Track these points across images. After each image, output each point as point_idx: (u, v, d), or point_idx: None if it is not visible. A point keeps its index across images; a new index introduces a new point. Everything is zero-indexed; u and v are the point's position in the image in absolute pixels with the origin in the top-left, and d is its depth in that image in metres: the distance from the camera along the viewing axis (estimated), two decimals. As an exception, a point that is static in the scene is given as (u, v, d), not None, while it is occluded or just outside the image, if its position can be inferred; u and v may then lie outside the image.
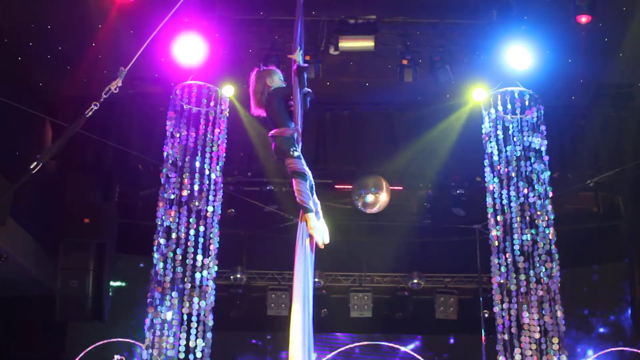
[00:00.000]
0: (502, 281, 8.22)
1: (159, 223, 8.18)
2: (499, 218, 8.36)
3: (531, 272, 8.11)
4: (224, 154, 8.61)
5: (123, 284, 12.20)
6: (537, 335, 7.97)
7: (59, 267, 10.31)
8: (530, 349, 7.93)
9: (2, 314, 11.37)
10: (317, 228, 4.54)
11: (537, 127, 8.50)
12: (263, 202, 11.76)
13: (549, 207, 8.33)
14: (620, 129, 10.27)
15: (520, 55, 8.56)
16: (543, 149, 8.47)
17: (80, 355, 11.61)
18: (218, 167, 8.51)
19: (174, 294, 7.97)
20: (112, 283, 11.36)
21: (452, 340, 13.27)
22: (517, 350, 7.95)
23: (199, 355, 7.92)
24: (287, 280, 12.34)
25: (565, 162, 10.42)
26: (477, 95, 9.22)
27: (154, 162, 9.83)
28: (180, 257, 8.06)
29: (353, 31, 8.87)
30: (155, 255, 8.09)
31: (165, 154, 8.44)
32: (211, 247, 8.25)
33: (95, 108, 4.22)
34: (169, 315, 7.93)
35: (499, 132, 8.52)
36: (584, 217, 12.11)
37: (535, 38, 8.56)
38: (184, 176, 8.29)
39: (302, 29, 4.96)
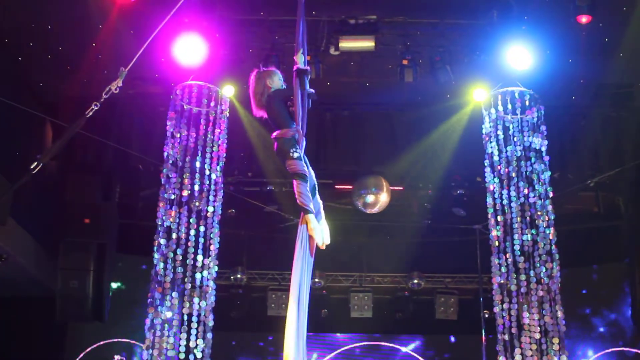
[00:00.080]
0: (502, 281, 8.22)
1: (159, 223, 8.18)
2: (499, 218, 8.35)
3: (531, 272, 8.11)
4: (224, 154, 8.61)
5: (123, 285, 12.20)
6: (537, 336, 7.96)
7: (59, 267, 10.32)
8: (531, 349, 7.92)
9: (2, 314, 11.35)
10: (317, 229, 4.51)
11: (538, 127, 8.50)
12: (263, 202, 11.75)
13: (549, 207, 8.33)
14: (620, 129, 10.29)
15: (520, 55, 8.55)
16: (543, 149, 8.47)
17: (81, 355, 11.59)
18: (218, 168, 8.51)
19: (174, 294, 7.97)
20: (112, 283, 11.36)
21: (452, 340, 13.26)
22: (517, 351, 7.94)
23: (199, 355, 7.91)
24: (288, 280, 12.03)
25: (566, 162, 10.44)
26: (478, 96, 9.20)
27: (154, 162, 9.84)
28: (180, 258, 8.05)
29: (353, 31, 8.86)
30: (156, 255, 8.09)
31: (165, 154, 8.44)
32: (211, 247, 8.24)
33: (96, 108, 4.22)
34: (169, 315, 7.93)
35: (499, 132, 8.52)
36: (584, 217, 12.08)
37: (535, 38, 8.55)
38: (184, 176, 8.28)
39: (304, 30, 4.93)
